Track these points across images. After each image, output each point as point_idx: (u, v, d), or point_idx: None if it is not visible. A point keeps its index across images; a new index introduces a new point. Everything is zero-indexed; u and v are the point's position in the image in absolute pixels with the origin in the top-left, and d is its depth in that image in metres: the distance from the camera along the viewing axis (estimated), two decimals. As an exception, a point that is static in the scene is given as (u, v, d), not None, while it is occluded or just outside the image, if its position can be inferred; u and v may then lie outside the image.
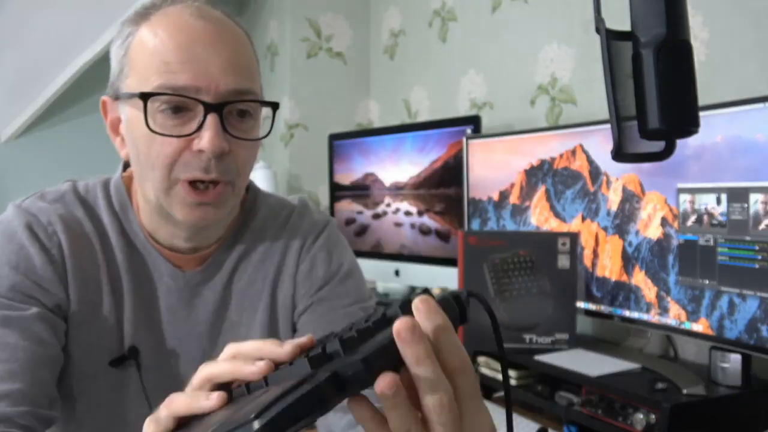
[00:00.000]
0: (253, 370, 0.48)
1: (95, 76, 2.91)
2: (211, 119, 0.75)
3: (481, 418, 0.46)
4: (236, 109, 0.78)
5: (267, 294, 0.91)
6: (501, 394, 1.57)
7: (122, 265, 0.86)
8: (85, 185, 0.89)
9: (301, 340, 0.50)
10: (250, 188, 0.95)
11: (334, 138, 2.54)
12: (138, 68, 0.77)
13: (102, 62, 2.83)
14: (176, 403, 0.49)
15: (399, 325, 0.42)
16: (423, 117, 2.56)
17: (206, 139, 0.75)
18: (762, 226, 1.17)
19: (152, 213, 0.85)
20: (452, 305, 0.47)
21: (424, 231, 2.17)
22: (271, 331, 0.91)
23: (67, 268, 0.82)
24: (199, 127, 0.75)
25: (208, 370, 0.51)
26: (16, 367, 0.74)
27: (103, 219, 0.86)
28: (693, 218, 1.30)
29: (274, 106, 0.83)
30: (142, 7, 0.81)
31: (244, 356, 0.50)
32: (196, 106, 0.75)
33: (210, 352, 0.89)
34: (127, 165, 0.90)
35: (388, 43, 2.78)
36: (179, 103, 0.76)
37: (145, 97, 0.75)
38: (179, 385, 0.53)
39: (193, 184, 0.78)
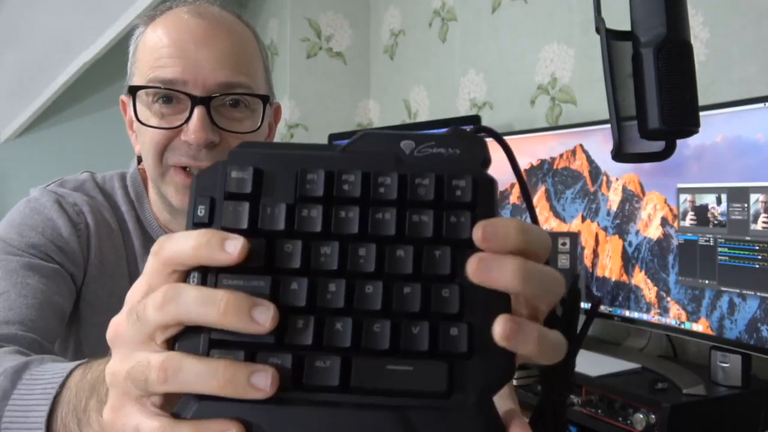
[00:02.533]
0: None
1: (95, 76, 2.91)
2: (198, 111, 0.78)
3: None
4: (228, 101, 0.81)
5: None
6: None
7: (138, 251, 0.88)
8: (102, 176, 0.92)
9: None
10: None
11: (334, 138, 2.54)
12: (140, 66, 0.82)
13: (102, 62, 2.82)
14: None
15: (500, 333, 0.34)
16: (423, 117, 2.56)
17: (191, 129, 0.78)
18: (762, 226, 1.17)
19: (163, 206, 0.88)
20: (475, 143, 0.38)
21: (424, 231, 2.17)
22: None
23: (90, 247, 0.84)
24: (188, 119, 0.78)
25: (171, 251, 0.35)
26: (34, 303, 0.75)
27: (121, 207, 0.89)
28: (693, 218, 1.30)
29: (264, 98, 0.84)
30: (152, 8, 0.84)
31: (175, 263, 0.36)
32: (186, 98, 0.79)
33: None
34: (140, 159, 0.94)
35: (388, 43, 2.78)
36: (168, 94, 0.79)
37: (133, 90, 0.80)
38: None
39: (184, 168, 0.81)
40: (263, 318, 0.33)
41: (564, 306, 0.42)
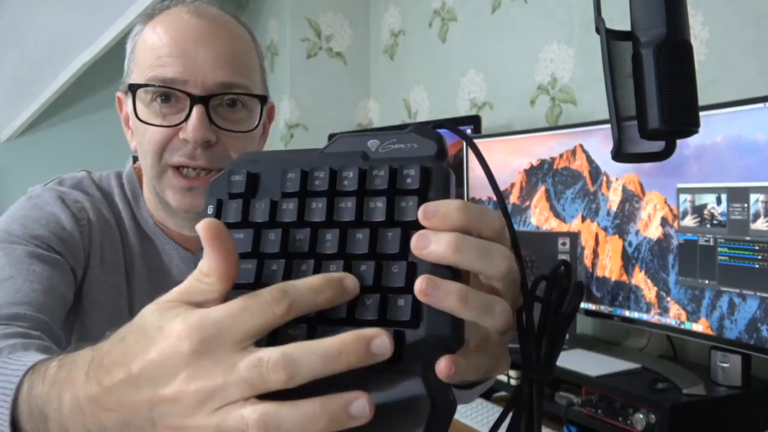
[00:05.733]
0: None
1: (95, 75, 2.91)
2: (197, 110, 0.79)
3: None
4: (226, 100, 0.82)
5: None
6: (501, 394, 1.57)
7: (135, 249, 0.88)
8: (99, 175, 0.93)
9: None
10: None
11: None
12: (139, 64, 0.83)
13: (102, 62, 2.82)
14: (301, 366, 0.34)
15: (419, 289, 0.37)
16: (423, 117, 2.56)
17: (190, 128, 0.79)
18: (762, 226, 1.17)
19: (158, 204, 0.88)
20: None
21: (424, 231, 2.17)
22: None
23: (93, 242, 0.84)
24: (187, 118, 0.79)
25: (304, 304, 0.36)
26: (40, 288, 0.74)
27: (118, 205, 0.90)
28: (693, 218, 1.30)
29: (262, 99, 0.85)
30: (152, 7, 0.84)
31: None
32: (185, 97, 0.79)
33: None
34: (136, 159, 0.94)
35: (388, 43, 2.78)
36: (167, 93, 0.80)
37: (133, 88, 0.81)
38: None
39: (180, 170, 0.81)
40: (383, 348, 0.34)
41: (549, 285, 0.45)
